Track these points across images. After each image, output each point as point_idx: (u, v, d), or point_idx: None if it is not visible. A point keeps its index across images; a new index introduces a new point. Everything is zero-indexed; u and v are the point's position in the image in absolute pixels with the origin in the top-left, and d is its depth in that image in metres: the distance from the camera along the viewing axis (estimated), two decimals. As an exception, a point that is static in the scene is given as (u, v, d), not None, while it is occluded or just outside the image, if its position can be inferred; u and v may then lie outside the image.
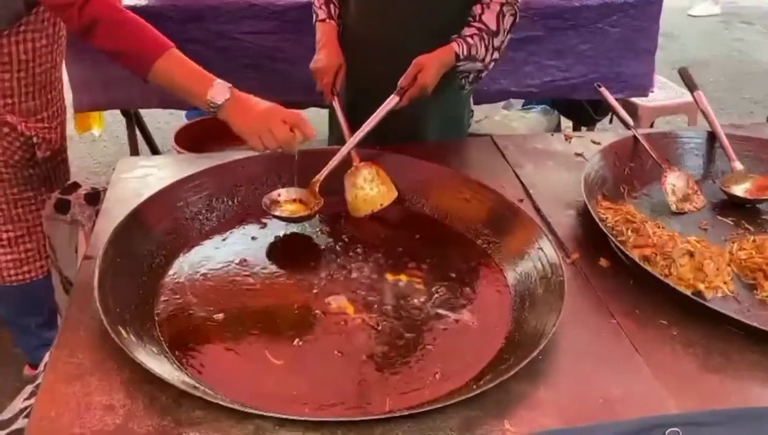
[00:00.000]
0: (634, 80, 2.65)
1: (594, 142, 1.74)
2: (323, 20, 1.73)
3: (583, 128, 3.16)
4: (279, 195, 1.43)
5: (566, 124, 3.29)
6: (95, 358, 1.04)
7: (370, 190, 1.47)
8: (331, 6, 1.74)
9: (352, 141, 1.47)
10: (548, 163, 1.68)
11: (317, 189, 1.43)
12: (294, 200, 1.43)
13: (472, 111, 1.93)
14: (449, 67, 1.59)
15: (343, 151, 1.46)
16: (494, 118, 3.02)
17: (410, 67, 1.54)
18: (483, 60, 1.62)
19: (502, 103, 3.08)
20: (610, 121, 3.20)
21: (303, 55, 1.75)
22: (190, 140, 2.93)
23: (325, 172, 1.44)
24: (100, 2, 1.28)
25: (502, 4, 1.60)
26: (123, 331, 1.04)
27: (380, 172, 1.49)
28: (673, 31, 6.06)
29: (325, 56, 1.67)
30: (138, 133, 3.11)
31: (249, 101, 1.35)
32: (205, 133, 2.91)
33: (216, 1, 2.40)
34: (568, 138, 1.80)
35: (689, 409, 0.99)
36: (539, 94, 2.64)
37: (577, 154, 1.70)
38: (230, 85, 1.33)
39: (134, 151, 3.04)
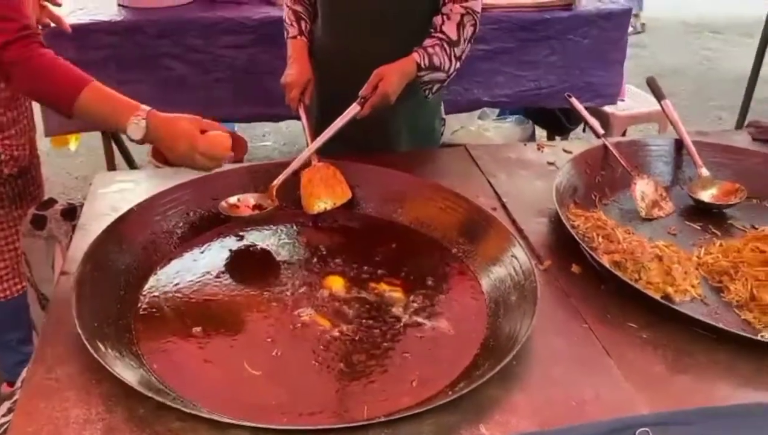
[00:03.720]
0: (603, 89, 2.71)
1: (566, 151, 1.78)
2: (294, 36, 1.77)
3: (557, 137, 3.22)
4: (238, 200, 1.45)
5: (540, 133, 3.34)
6: (73, 372, 1.04)
7: (324, 188, 1.50)
8: (302, 22, 1.78)
9: (311, 147, 1.52)
10: (521, 172, 1.71)
11: (274, 193, 1.46)
12: (254, 206, 1.45)
13: (444, 120, 1.96)
14: (411, 77, 1.62)
15: (302, 156, 1.50)
16: (470, 128, 3.06)
17: (371, 76, 1.57)
18: (446, 70, 1.66)
19: (477, 114, 3.12)
20: (584, 130, 3.26)
21: (280, 68, 1.78)
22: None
23: (282, 177, 1.48)
24: (17, 47, 1.27)
25: (462, 15, 1.64)
26: (101, 345, 1.04)
27: (336, 173, 1.52)
28: (645, 41, 6.20)
29: (295, 71, 1.71)
30: (115, 147, 3.11)
31: (168, 130, 1.30)
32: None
33: (189, 15, 2.42)
34: (540, 147, 1.84)
35: (658, 409, 1.02)
36: (511, 103, 2.69)
37: (550, 163, 1.74)
38: (148, 112, 1.29)
39: (111, 166, 3.04)
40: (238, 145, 2.94)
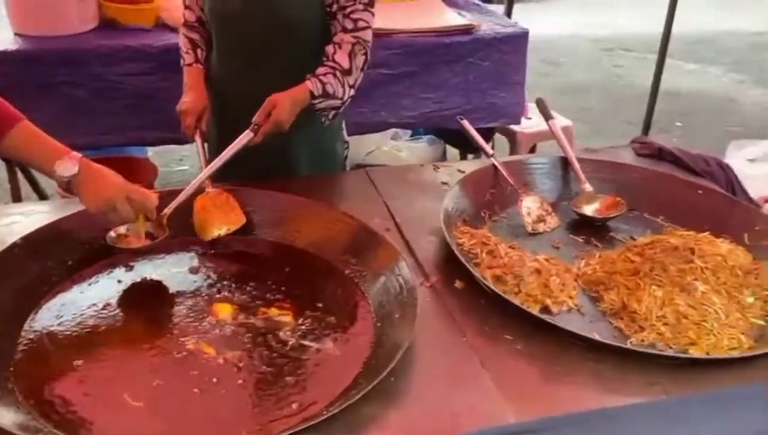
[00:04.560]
0: (506, 109, 2.82)
1: (460, 171, 1.84)
2: (190, 64, 1.80)
3: (470, 156, 3.31)
4: (127, 229, 1.43)
5: (453, 152, 3.43)
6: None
7: (218, 214, 1.51)
8: (198, 50, 1.81)
9: (202, 175, 1.52)
10: (417, 193, 1.76)
11: (164, 221, 1.45)
12: (146, 235, 1.44)
13: (347, 142, 2.00)
14: (304, 104, 1.66)
15: (193, 184, 1.51)
16: (383, 149, 3.12)
17: (264, 103, 1.60)
18: (340, 97, 1.70)
19: (390, 134, 3.19)
20: (492, 148, 3.36)
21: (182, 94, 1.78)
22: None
23: (174, 204, 1.47)
24: None
25: (353, 44, 1.69)
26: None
27: (230, 199, 1.54)
28: (558, 59, 6.44)
29: (190, 98, 1.72)
30: (23, 177, 3.02)
31: (98, 179, 1.32)
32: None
33: (90, 44, 2.40)
34: (436, 168, 1.89)
35: (527, 417, 1.07)
36: (417, 124, 2.77)
37: (444, 183, 1.79)
38: (79, 159, 1.30)
39: (16, 197, 2.94)
40: (147, 171, 2.93)
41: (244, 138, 1.57)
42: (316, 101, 1.68)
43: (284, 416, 1.07)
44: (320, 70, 1.68)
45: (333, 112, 1.77)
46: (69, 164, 1.29)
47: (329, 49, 1.71)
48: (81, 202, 1.33)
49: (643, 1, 8.66)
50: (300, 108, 1.65)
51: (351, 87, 1.72)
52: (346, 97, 1.73)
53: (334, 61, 1.69)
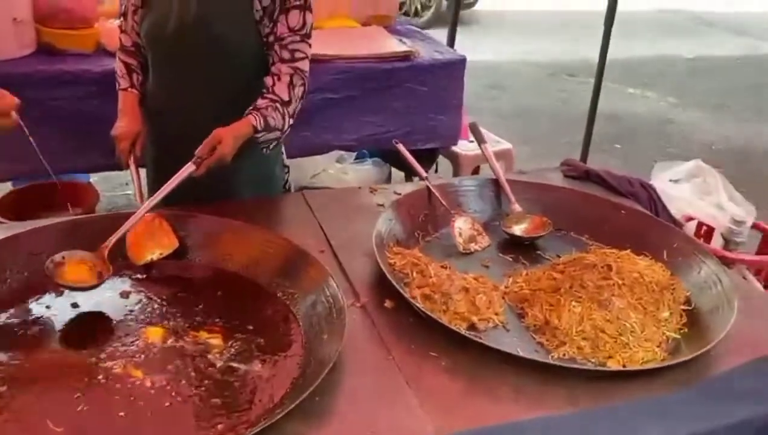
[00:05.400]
0: (444, 132, 2.90)
1: (396, 193, 1.89)
2: (125, 89, 1.81)
3: (416, 178, 3.36)
4: (63, 257, 1.41)
5: (399, 174, 3.49)
6: None
7: (150, 238, 1.51)
8: (134, 75, 1.82)
9: (144, 207, 1.51)
10: (353, 215, 1.80)
11: (106, 254, 1.44)
12: (80, 262, 1.42)
13: (287, 167, 2.04)
14: (247, 138, 1.67)
15: (133, 218, 1.49)
16: (329, 172, 3.15)
17: (209, 138, 1.59)
18: (280, 128, 1.73)
19: (335, 157, 3.23)
20: (436, 171, 3.43)
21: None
22: (14, 208, 2.81)
23: (113, 238, 1.46)
24: None
25: (291, 75, 1.73)
26: None
27: (163, 224, 1.55)
28: (504, 83, 6.61)
29: (125, 123, 1.73)
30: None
31: None
32: (29, 199, 2.82)
33: (24, 69, 2.38)
34: (373, 190, 1.94)
35: (445, 432, 1.10)
36: (358, 146, 2.82)
37: (380, 205, 1.83)
38: None
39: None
40: (88, 195, 2.88)
41: (186, 170, 1.56)
42: (259, 135, 1.70)
43: (209, 437, 1.09)
44: (261, 102, 1.71)
45: (274, 143, 1.79)
46: None
47: (268, 81, 1.73)
48: None
49: (586, 29, 9.01)
50: (242, 141, 1.66)
51: (291, 117, 1.75)
52: (286, 128, 1.75)
53: (274, 93, 1.72)
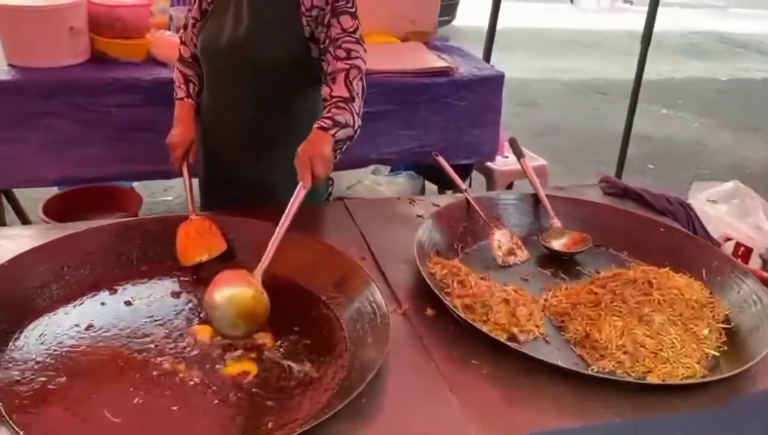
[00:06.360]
0: (481, 147, 2.93)
1: (434, 205, 1.92)
2: (181, 98, 1.87)
3: (448, 191, 3.40)
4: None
5: (432, 187, 3.52)
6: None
7: (199, 240, 1.57)
8: (190, 85, 1.88)
9: (280, 229, 1.48)
10: (392, 224, 1.84)
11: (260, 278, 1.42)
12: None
13: (332, 179, 2.08)
14: (327, 141, 1.64)
15: (275, 238, 1.47)
16: (364, 183, 3.20)
17: (301, 168, 1.58)
18: (351, 125, 1.70)
19: (371, 169, 3.27)
20: (470, 185, 3.46)
21: (170, 127, 1.85)
22: (60, 210, 2.90)
23: (265, 261, 1.44)
24: None
25: (347, 70, 1.71)
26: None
27: (212, 227, 1.60)
28: (535, 101, 6.62)
29: (180, 131, 1.79)
30: (8, 203, 3.05)
31: None
32: (76, 202, 2.91)
33: (78, 76, 2.47)
34: (412, 201, 1.97)
35: (488, 435, 1.13)
36: (396, 160, 2.86)
37: (419, 216, 1.87)
38: None
39: (1, 223, 2.97)
40: (132, 200, 2.96)
41: (302, 191, 1.54)
42: (333, 131, 1.66)
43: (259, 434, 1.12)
44: (324, 113, 1.69)
45: (347, 144, 1.75)
46: None
47: (325, 90, 1.73)
48: None
49: (617, 48, 8.99)
50: (329, 147, 1.63)
51: (358, 114, 1.72)
52: (356, 125, 1.72)
53: (332, 96, 1.70)
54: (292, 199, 1.52)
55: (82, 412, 1.14)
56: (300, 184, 1.55)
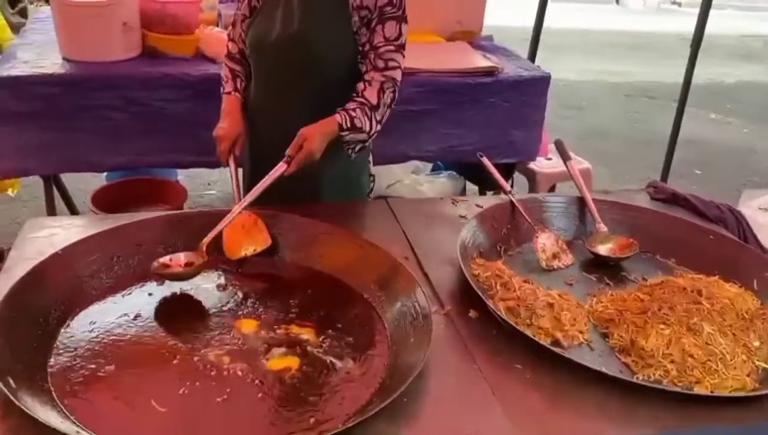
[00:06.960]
0: (523, 147, 2.91)
1: (477, 206, 1.90)
2: (228, 93, 1.90)
3: (488, 192, 3.38)
4: (170, 259, 1.50)
5: (472, 188, 3.50)
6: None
7: (246, 235, 1.59)
8: (238, 80, 1.92)
9: (240, 204, 1.58)
10: (435, 224, 1.83)
11: (204, 250, 1.52)
12: (186, 264, 1.51)
13: (373, 175, 2.09)
14: (333, 136, 1.74)
15: (231, 214, 1.56)
16: (404, 182, 3.20)
17: (296, 137, 1.67)
18: (367, 131, 1.78)
19: (411, 169, 3.27)
20: (512, 186, 3.43)
21: (216, 121, 1.88)
22: (108, 201, 2.98)
23: (212, 234, 1.54)
24: None
25: (382, 82, 1.78)
26: (11, 381, 1.10)
27: (258, 222, 1.62)
28: (581, 103, 6.52)
29: (227, 124, 1.82)
30: (58, 193, 3.15)
31: None
32: (123, 193, 2.98)
33: (130, 70, 2.53)
34: (454, 202, 1.96)
35: (532, 442, 1.12)
36: (436, 157, 2.86)
37: (462, 217, 1.86)
38: None
39: (51, 212, 3.05)
40: (177, 193, 3.03)
41: (278, 170, 1.63)
42: (344, 133, 1.76)
43: (301, 430, 1.13)
44: (350, 105, 1.77)
45: (359, 145, 1.85)
46: None
47: (360, 85, 1.79)
48: None
49: (665, 51, 8.80)
50: (329, 139, 1.73)
51: (378, 122, 1.80)
52: (372, 132, 1.81)
53: (363, 97, 1.78)
54: (268, 175, 1.61)
55: (130, 401, 1.17)
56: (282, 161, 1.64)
